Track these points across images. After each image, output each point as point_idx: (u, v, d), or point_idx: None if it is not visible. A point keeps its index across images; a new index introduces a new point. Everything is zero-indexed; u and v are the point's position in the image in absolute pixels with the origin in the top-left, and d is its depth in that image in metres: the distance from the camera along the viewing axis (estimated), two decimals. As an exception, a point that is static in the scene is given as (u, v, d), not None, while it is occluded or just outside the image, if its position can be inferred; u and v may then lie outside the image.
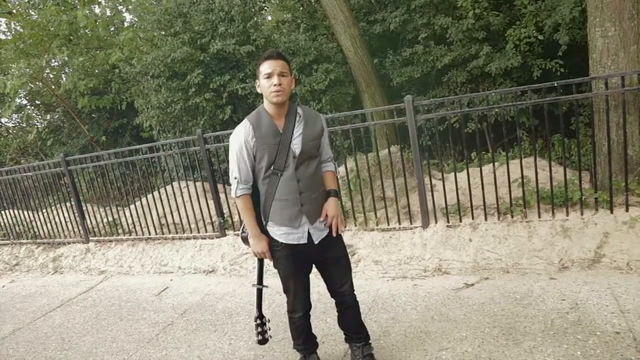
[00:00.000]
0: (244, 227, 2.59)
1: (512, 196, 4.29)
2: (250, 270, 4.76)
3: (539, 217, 4.15)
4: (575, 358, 2.63)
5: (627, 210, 3.90)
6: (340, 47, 7.71)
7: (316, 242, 2.49)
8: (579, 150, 4.11)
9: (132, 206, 6.34)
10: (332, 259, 2.60)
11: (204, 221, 5.62)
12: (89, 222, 6.47)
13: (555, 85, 3.88)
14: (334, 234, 2.53)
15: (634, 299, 3.11)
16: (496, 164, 4.74)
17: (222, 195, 5.55)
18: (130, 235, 6.14)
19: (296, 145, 2.39)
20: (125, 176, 6.77)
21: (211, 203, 5.50)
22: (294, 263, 2.52)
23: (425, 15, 7.09)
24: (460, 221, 4.39)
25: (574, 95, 3.88)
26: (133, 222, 6.12)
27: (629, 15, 3.81)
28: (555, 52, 6.01)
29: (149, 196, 6.20)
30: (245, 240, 2.61)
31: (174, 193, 5.73)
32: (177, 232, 5.78)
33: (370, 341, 2.83)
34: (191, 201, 5.63)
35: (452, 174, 4.72)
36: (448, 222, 4.42)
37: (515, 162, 4.60)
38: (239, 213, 5.45)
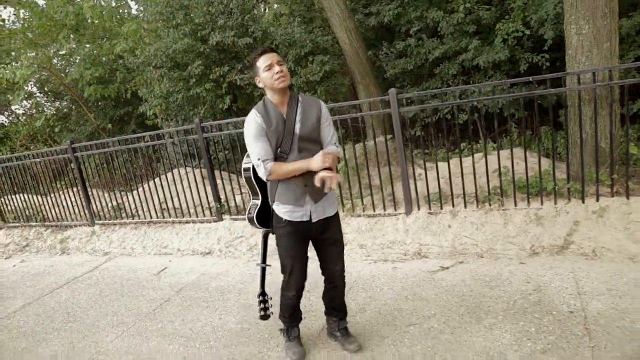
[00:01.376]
0: (250, 208, 2.82)
1: (491, 185, 4.52)
2: (244, 253, 5.05)
3: (515, 205, 4.38)
4: (529, 334, 2.89)
5: (597, 200, 4.11)
6: (336, 39, 7.90)
7: (314, 221, 2.70)
8: (554, 142, 4.34)
9: (135, 192, 6.64)
10: (330, 239, 2.82)
11: (202, 206, 5.91)
12: (94, 206, 6.79)
13: (531, 80, 4.09)
14: (326, 190, 2.55)
15: (592, 282, 3.34)
16: (480, 154, 4.96)
17: (219, 182, 5.83)
18: (134, 218, 6.45)
19: (297, 129, 2.62)
20: (129, 163, 7.07)
21: (209, 189, 5.78)
22: (295, 240, 2.73)
23: (419, 8, 7.26)
24: (441, 208, 4.63)
25: (549, 89, 4.08)
26: (136, 207, 6.43)
27: (601, 13, 3.99)
28: (542, 46, 6.19)
29: (152, 182, 6.49)
30: (251, 220, 2.81)
31: (174, 179, 6.02)
32: (177, 216, 6.08)
33: (346, 317, 3.10)
34: (190, 187, 5.92)
35: (436, 163, 4.95)
36: (430, 209, 4.67)
37: (499, 152, 4.81)
38: (235, 198, 5.73)
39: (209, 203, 5.84)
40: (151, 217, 6.27)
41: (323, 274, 2.96)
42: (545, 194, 4.35)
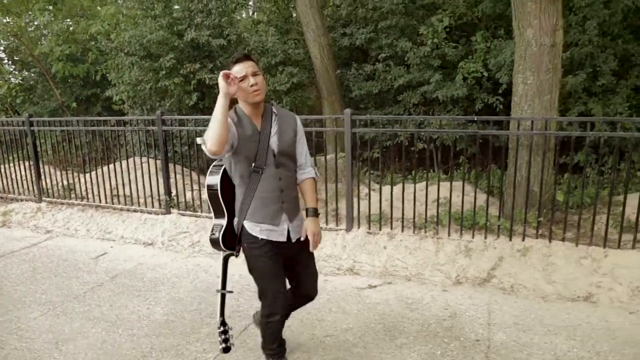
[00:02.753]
0: (214, 229, 2.52)
1: (429, 214, 4.75)
2: (186, 248, 5.12)
3: (449, 235, 4.62)
4: (435, 356, 3.08)
5: (523, 239, 4.39)
6: (308, 53, 8.13)
7: (294, 240, 2.53)
8: (489, 180, 4.61)
9: (88, 174, 6.61)
10: (307, 262, 2.68)
11: (152, 197, 5.93)
12: (44, 182, 6.71)
13: (475, 119, 4.36)
14: (312, 249, 2.56)
15: (504, 315, 3.58)
16: (424, 183, 5.20)
17: (173, 175, 5.87)
18: (82, 200, 6.41)
19: (274, 144, 2.43)
20: (88, 144, 7.03)
21: (162, 181, 5.82)
22: (274, 259, 2.49)
23: (390, 36, 7.59)
24: (380, 229, 4.83)
25: (491, 130, 4.37)
26: (87, 189, 6.40)
27: (545, 68, 4.31)
28: (498, 89, 6.57)
29: (106, 167, 6.48)
30: (215, 242, 2.50)
31: (128, 167, 6.04)
32: (126, 204, 6.08)
33: None
34: (143, 177, 5.95)
35: (383, 186, 5.16)
36: (369, 229, 4.86)
37: (443, 183, 5.06)
38: (185, 194, 5.78)
39: (159, 195, 5.88)
40: (100, 202, 6.25)
41: (295, 287, 2.76)
42: (477, 228, 4.61)
